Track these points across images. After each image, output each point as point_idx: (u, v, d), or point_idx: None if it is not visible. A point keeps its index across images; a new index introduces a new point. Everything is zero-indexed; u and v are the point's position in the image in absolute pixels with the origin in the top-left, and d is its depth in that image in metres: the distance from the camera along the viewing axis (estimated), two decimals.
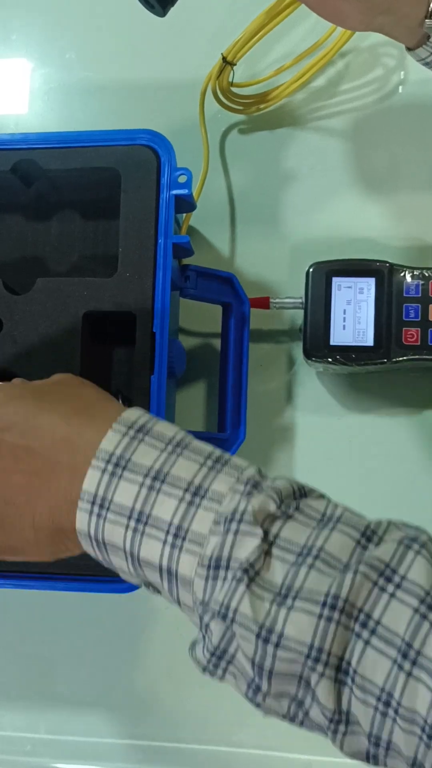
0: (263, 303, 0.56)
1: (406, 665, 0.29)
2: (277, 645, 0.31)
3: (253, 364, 0.58)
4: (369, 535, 0.32)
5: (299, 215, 0.60)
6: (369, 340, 0.53)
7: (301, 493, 0.34)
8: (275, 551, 0.32)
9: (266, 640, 0.31)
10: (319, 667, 0.30)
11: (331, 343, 0.53)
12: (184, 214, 0.55)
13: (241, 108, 0.60)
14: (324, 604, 0.30)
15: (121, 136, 0.51)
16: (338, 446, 0.57)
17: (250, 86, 0.61)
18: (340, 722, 0.31)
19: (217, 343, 0.58)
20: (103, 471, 0.34)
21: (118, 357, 0.55)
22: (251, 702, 0.33)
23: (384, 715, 0.30)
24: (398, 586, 0.30)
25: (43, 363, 0.50)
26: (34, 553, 0.37)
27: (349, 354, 0.53)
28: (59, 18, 0.65)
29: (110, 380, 0.54)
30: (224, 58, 0.57)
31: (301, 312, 0.55)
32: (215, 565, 0.32)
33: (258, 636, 0.31)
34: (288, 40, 0.61)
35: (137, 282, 0.50)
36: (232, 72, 0.58)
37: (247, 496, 0.33)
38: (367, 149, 0.59)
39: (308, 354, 0.53)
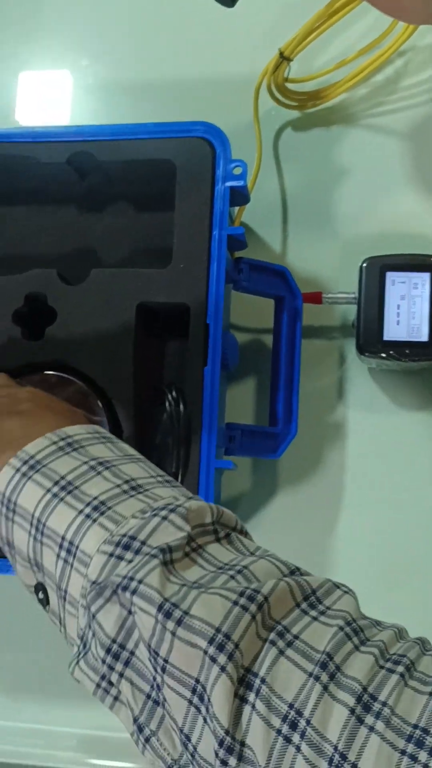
0: (315, 298, 0.55)
1: (324, 677, 0.25)
2: (179, 622, 0.27)
3: (303, 360, 0.57)
4: (298, 572, 0.31)
5: (351, 212, 0.59)
6: (424, 336, 0.52)
7: (237, 528, 0.33)
8: (196, 557, 0.30)
9: (168, 614, 0.28)
10: (222, 658, 0.26)
11: (385, 338, 0.52)
12: (237, 208, 0.55)
13: (295, 104, 0.60)
14: (242, 594, 0.27)
15: (176, 129, 0.51)
16: (390, 444, 0.56)
17: (305, 82, 0.60)
18: (231, 751, 0.26)
19: (266, 338, 0.58)
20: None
21: (169, 349, 0.54)
22: (138, 734, 0.29)
23: (287, 740, 0.25)
24: (322, 612, 0.28)
25: (95, 354, 0.50)
26: None
27: (402, 349, 0.52)
28: (113, 13, 0.65)
29: (162, 372, 0.54)
30: (281, 54, 0.57)
31: (354, 307, 0.54)
32: (126, 544, 0.30)
33: (160, 608, 0.28)
34: (346, 36, 0.60)
35: (191, 273, 0.50)
36: (288, 68, 0.58)
37: (187, 499, 0.33)
38: (423, 147, 0.59)
39: (361, 349, 0.52)
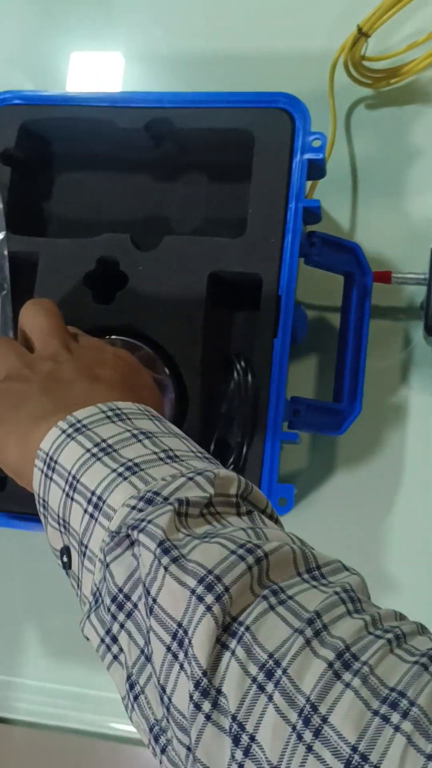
0: (385, 277, 0.54)
1: (308, 632, 0.25)
2: (174, 560, 0.27)
3: (368, 341, 0.57)
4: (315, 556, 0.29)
5: (423, 193, 0.59)
6: None
7: (266, 512, 0.33)
8: (211, 519, 0.30)
9: (165, 551, 0.28)
10: (209, 598, 0.26)
11: None
12: (310, 183, 0.54)
13: (370, 82, 0.60)
14: (241, 546, 0.27)
15: (256, 99, 0.51)
16: None
17: (381, 60, 0.60)
18: (206, 695, 0.25)
19: (330, 315, 0.58)
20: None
21: (237, 320, 0.54)
22: (128, 693, 0.29)
23: (261, 689, 0.24)
24: (323, 584, 0.28)
25: (165, 321, 0.50)
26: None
27: None
28: None
29: (229, 342, 0.54)
30: (360, 29, 0.56)
31: (422, 289, 0.53)
32: (149, 499, 0.30)
33: (160, 544, 0.28)
34: (424, 13, 0.60)
35: (265, 244, 0.50)
36: (365, 44, 0.57)
37: (212, 464, 0.33)
38: None
39: (430, 330, 0.52)
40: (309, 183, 0.55)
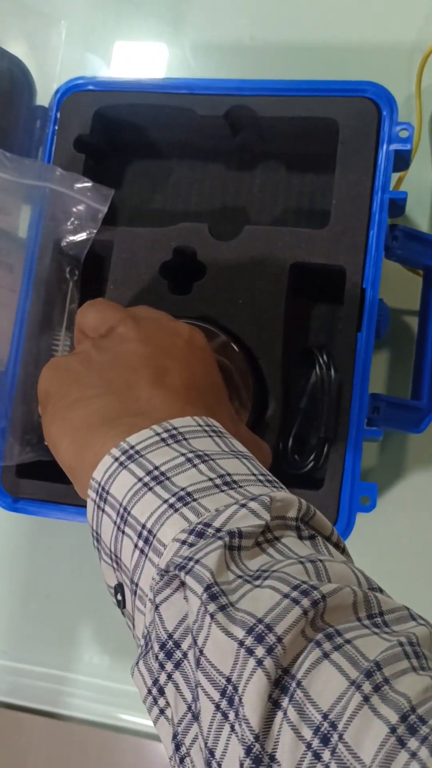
0: None
1: (367, 687, 0.22)
2: (222, 607, 0.25)
3: None
4: (378, 590, 0.27)
5: None
6: None
7: (331, 540, 0.30)
8: (267, 547, 0.28)
9: (213, 597, 0.25)
10: (259, 651, 0.23)
11: None
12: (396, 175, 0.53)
13: None
14: (296, 587, 0.25)
15: (342, 87, 0.50)
16: None
17: None
18: (259, 762, 0.23)
19: (404, 312, 0.56)
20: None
21: (318, 313, 0.53)
22: (174, 754, 0.26)
23: (317, 758, 0.22)
24: (385, 632, 0.25)
25: (244, 313, 0.49)
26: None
27: None
28: None
29: (308, 335, 0.52)
30: None
31: None
32: (199, 532, 0.28)
33: (207, 589, 0.25)
34: None
35: (349, 236, 0.48)
36: None
37: (274, 488, 0.30)
38: None
39: None
40: (396, 176, 0.54)
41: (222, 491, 0.30)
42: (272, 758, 0.23)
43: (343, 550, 0.31)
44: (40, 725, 0.61)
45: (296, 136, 0.52)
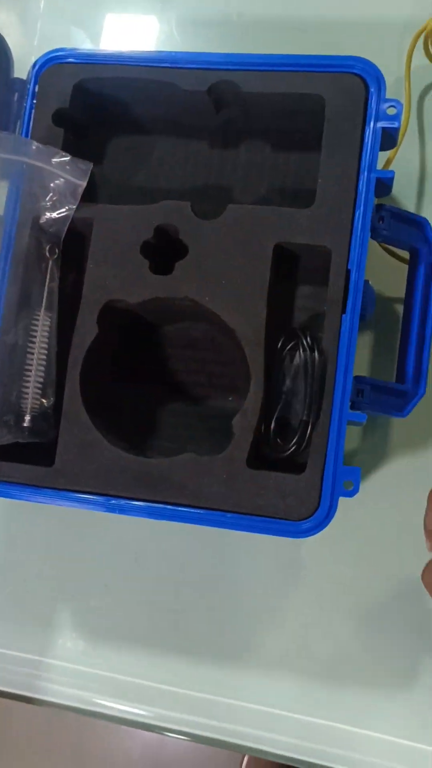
0: None
1: None
2: None
3: None
4: None
5: None
6: None
7: None
8: None
9: None
10: None
11: None
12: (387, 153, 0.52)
13: None
14: None
15: (328, 63, 0.49)
16: None
17: None
18: None
19: (389, 294, 0.55)
20: None
21: (302, 294, 0.52)
22: None
23: None
24: None
25: (227, 293, 0.48)
26: None
27: None
28: None
29: (292, 317, 0.51)
30: None
31: None
32: None
33: None
34: None
35: (335, 216, 0.47)
36: None
37: None
38: None
39: None
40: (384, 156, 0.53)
41: None
42: None
43: None
44: (16, 709, 0.60)
45: (281, 112, 0.51)
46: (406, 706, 0.53)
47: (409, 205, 0.57)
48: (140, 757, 1.14)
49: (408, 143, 0.57)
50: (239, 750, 0.56)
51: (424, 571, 0.44)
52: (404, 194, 0.57)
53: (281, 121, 0.51)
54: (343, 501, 0.55)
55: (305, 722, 0.54)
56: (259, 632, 0.55)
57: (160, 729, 0.57)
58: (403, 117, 0.54)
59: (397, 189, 0.57)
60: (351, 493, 0.46)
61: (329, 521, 0.46)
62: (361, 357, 0.56)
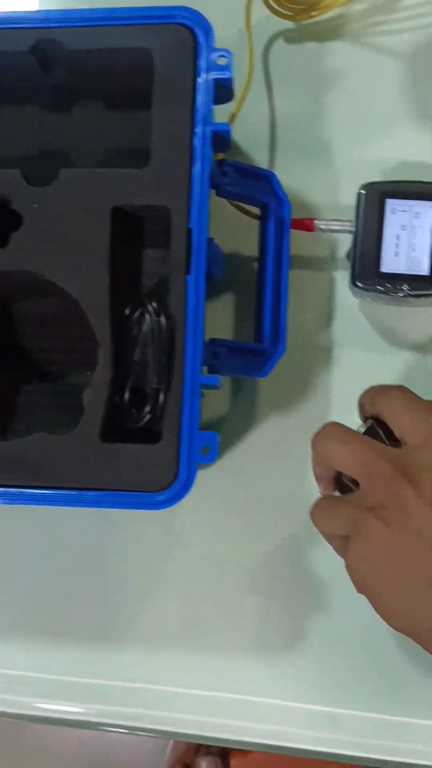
0: (308, 225, 0.51)
1: None
2: None
3: (292, 291, 0.54)
4: None
5: (349, 136, 0.55)
6: (424, 269, 0.49)
7: None
8: None
9: None
10: None
11: (382, 269, 0.49)
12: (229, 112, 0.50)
13: (291, 14, 0.55)
14: None
15: (154, 14, 0.46)
16: (377, 381, 0.53)
17: None
18: None
19: (249, 256, 0.54)
20: None
21: (149, 258, 0.50)
22: None
23: None
24: None
25: (67, 263, 0.46)
26: None
27: (400, 283, 0.49)
28: None
29: (141, 283, 0.50)
30: None
31: (348, 237, 0.50)
32: None
33: None
34: None
35: (172, 174, 0.45)
36: None
37: None
38: (424, 73, 0.54)
39: (356, 281, 0.49)
40: (229, 112, 0.51)
41: None
42: None
43: None
44: None
45: (111, 70, 0.48)
46: (295, 669, 0.52)
47: (261, 159, 0.55)
48: (79, 748, 1.13)
49: (255, 96, 0.56)
50: (135, 731, 0.55)
51: (314, 508, 0.43)
52: (256, 150, 0.56)
53: (112, 79, 0.49)
54: (219, 468, 0.54)
55: (198, 696, 0.53)
56: (142, 610, 0.54)
57: (56, 722, 0.55)
58: (246, 69, 0.53)
59: (247, 144, 0.56)
60: (209, 459, 0.45)
61: (189, 489, 0.44)
62: (223, 321, 0.55)
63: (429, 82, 0.55)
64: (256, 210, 0.51)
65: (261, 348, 0.49)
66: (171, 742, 0.91)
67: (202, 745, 0.81)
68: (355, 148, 0.55)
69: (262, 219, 0.50)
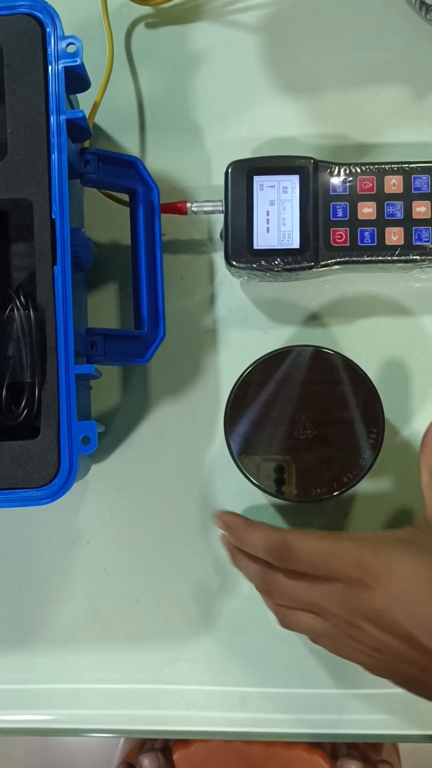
0: (179, 208, 0.51)
1: None
2: None
3: (171, 275, 0.54)
4: None
5: (218, 116, 0.55)
6: (295, 243, 0.49)
7: None
8: None
9: None
10: None
11: (255, 247, 0.49)
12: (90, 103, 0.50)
13: None
14: None
15: None
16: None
17: None
18: None
19: (124, 245, 0.54)
20: None
21: (17, 252, 0.49)
22: None
23: None
24: None
25: None
26: None
27: (273, 258, 0.49)
28: None
29: (10, 276, 0.49)
30: None
31: (222, 218, 0.51)
32: None
33: None
34: None
35: (30, 165, 0.45)
36: None
37: None
38: (289, 45, 0.55)
39: (230, 260, 0.49)
40: (90, 100, 0.50)
41: None
42: None
43: None
44: None
45: None
46: (205, 653, 0.52)
47: (132, 145, 0.55)
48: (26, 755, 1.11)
49: (121, 83, 0.55)
50: (49, 734, 0.54)
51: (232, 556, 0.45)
52: (126, 135, 0.55)
53: None
54: (115, 459, 0.53)
55: (112, 690, 0.53)
56: (48, 610, 0.53)
57: None
58: (108, 55, 0.52)
59: (117, 130, 0.55)
60: (89, 449, 0.44)
61: (72, 481, 0.44)
62: (108, 311, 0.54)
63: (289, 53, 0.55)
64: (126, 197, 0.51)
65: (141, 334, 0.49)
66: (120, 743, 0.91)
67: (146, 741, 0.81)
68: (225, 127, 0.55)
69: (132, 205, 0.50)
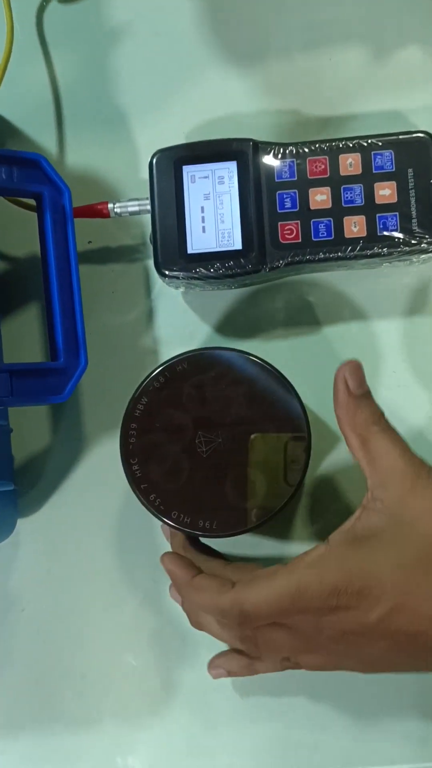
0: (99, 211, 0.43)
1: None
2: None
3: (103, 291, 0.46)
4: None
5: (146, 98, 0.47)
6: (237, 243, 0.41)
7: None
8: None
9: None
10: None
11: (189, 251, 0.41)
12: None
13: None
14: None
15: None
16: None
17: None
18: None
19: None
20: None
21: None
22: None
23: None
24: None
25: None
26: None
27: (212, 263, 0.41)
28: None
29: None
30: None
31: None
32: None
33: None
34: None
35: None
36: None
37: None
38: (225, 6, 0.47)
39: (161, 268, 0.41)
40: None
41: None
42: None
43: None
44: None
45: None
46: (165, 734, 0.44)
47: (47, 140, 0.47)
48: None
49: (30, 70, 0.47)
50: None
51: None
52: (38, 129, 0.47)
53: None
54: (49, 510, 0.46)
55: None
56: None
57: None
58: (7, 34, 0.45)
59: (27, 124, 0.48)
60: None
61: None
62: (30, 341, 0.46)
63: (225, 17, 0.46)
64: (33, 202, 0.43)
65: (57, 366, 0.41)
66: None
67: None
68: (155, 110, 0.47)
69: (39, 212, 0.42)
